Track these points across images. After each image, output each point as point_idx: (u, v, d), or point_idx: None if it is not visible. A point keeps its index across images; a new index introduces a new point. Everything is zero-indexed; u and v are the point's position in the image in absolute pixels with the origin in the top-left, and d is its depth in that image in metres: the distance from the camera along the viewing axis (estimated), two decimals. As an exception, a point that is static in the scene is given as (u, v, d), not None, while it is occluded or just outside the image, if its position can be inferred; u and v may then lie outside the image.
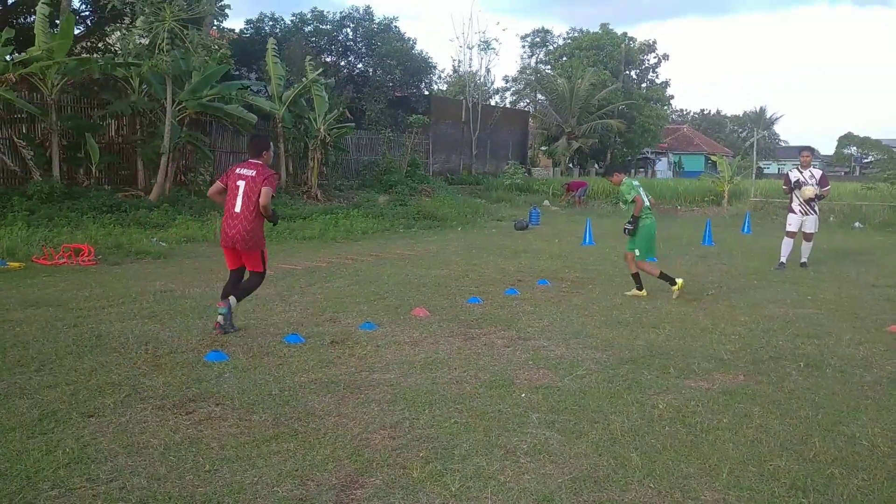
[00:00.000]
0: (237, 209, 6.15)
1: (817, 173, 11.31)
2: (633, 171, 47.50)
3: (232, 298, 6.25)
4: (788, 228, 11.40)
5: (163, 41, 14.79)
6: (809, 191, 11.10)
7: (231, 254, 6.40)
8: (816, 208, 11.30)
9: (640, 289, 8.68)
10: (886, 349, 6.22)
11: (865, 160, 72.34)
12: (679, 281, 8.49)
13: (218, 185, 6.42)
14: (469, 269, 10.52)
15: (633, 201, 8.40)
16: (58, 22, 15.19)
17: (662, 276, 8.54)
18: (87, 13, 21.86)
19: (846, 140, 77.76)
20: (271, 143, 7.13)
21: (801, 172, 11.28)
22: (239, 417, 4.23)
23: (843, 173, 70.79)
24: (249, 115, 17.32)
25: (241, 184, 6.18)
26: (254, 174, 6.18)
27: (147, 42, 15.39)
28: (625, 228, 8.58)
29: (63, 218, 12.96)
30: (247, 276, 6.46)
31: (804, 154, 11.51)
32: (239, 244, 6.21)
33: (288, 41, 24.38)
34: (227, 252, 6.44)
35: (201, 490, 3.31)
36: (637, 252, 8.50)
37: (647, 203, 8.57)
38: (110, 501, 3.18)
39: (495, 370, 5.33)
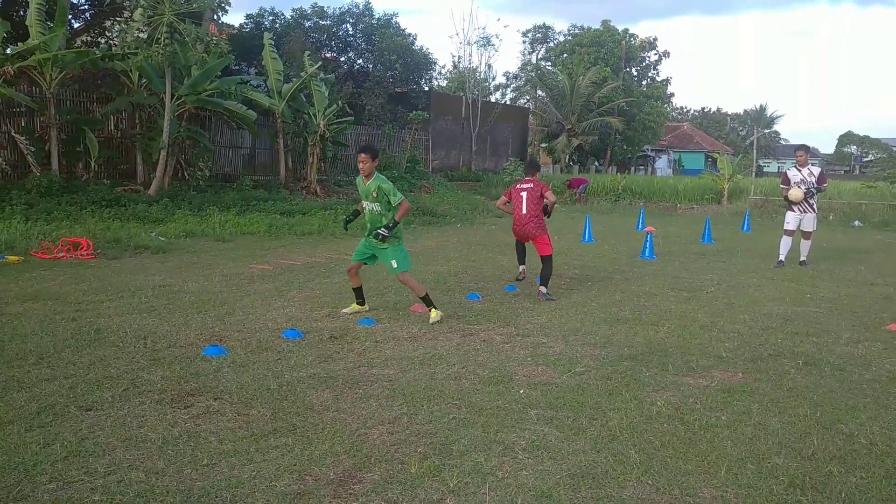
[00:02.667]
0: (523, 211, 8.46)
1: (816, 171, 11.31)
2: (633, 168, 47.53)
3: (542, 288, 8.27)
4: (787, 227, 11.40)
5: (161, 35, 14.76)
6: (796, 194, 11.11)
7: (521, 240, 9.03)
8: (815, 206, 11.30)
9: (361, 303, 7.12)
10: (885, 347, 6.22)
11: (865, 159, 72.39)
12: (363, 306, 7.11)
13: (503, 198, 8.93)
14: (468, 266, 10.51)
15: (398, 205, 6.69)
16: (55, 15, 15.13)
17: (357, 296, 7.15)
18: (85, 6, 21.81)
19: (846, 139, 77.86)
20: (541, 166, 9.53)
21: (799, 171, 11.27)
22: (237, 412, 4.22)
23: (842, 172, 70.86)
24: (249, 112, 17.31)
25: (524, 194, 8.51)
26: (531, 186, 8.51)
27: (146, 36, 15.37)
28: (380, 234, 6.64)
29: (62, 212, 12.95)
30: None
31: (798, 153, 11.51)
32: (530, 234, 8.52)
33: (287, 36, 24.34)
34: (518, 239, 9.02)
35: (199, 484, 3.30)
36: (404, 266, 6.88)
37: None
38: (108, 495, 3.17)
39: (494, 366, 5.32)
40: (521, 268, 9.22)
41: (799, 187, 11.14)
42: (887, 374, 5.43)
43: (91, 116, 16.45)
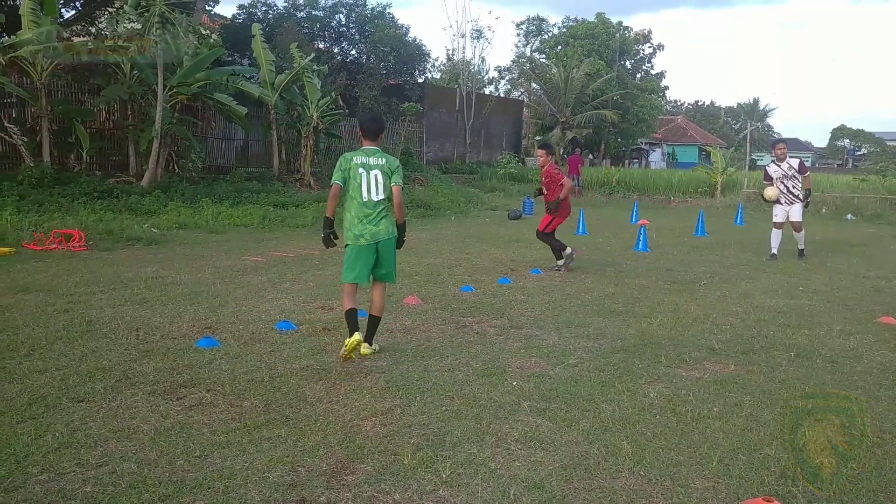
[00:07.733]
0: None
1: (794, 163, 11.26)
2: (627, 161, 47.56)
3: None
4: (775, 220, 11.43)
5: (153, 26, 14.66)
6: (771, 192, 11.19)
7: None
8: (800, 195, 11.27)
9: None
10: (877, 340, 6.25)
11: (858, 152, 72.66)
12: None
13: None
14: (462, 258, 10.50)
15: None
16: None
17: None
18: (77, -4, 21.61)
19: (839, 132, 78.03)
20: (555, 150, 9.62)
21: (779, 166, 11.27)
22: (230, 403, 4.21)
23: (836, 165, 71.10)
24: (239, 108, 17.14)
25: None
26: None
27: (138, 27, 15.25)
28: None
29: (53, 203, 12.87)
30: None
31: (779, 147, 11.53)
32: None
33: (280, 27, 24.21)
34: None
35: (191, 475, 3.30)
36: None
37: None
38: (100, 486, 3.16)
39: (487, 358, 5.32)
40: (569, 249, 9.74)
41: (782, 182, 11.15)
42: (878, 366, 5.46)
43: (83, 107, 16.33)
